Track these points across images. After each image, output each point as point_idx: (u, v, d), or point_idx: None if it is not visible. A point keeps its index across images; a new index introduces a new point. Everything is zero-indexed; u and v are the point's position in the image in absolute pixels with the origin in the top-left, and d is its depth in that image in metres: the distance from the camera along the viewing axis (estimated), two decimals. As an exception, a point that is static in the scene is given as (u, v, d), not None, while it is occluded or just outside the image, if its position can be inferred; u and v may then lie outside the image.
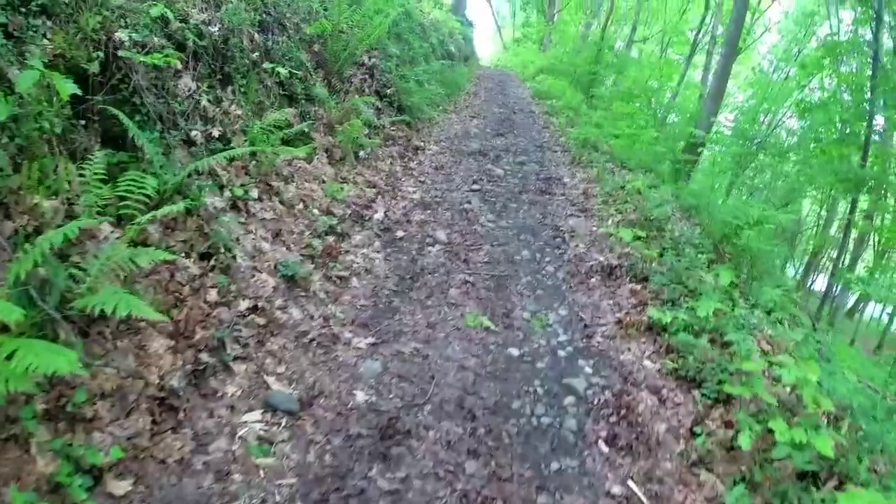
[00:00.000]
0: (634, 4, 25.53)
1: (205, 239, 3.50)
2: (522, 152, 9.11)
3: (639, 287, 4.50)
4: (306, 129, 5.77)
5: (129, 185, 2.99)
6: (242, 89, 5.02)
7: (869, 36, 13.08)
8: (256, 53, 5.38)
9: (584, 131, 10.10)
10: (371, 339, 3.57)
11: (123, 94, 3.43)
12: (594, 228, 5.82)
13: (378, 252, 4.73)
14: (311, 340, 3.42)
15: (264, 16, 5.84)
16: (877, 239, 16.11)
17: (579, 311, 4.23)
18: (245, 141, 4.57)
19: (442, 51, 14.49)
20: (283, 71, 5.50)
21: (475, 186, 6.92)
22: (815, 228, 25.22)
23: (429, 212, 5.79)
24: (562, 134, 11.17)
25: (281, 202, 4.71)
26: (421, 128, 9.18)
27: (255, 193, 4.47)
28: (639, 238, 5.10)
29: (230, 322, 3.14)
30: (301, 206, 4.85)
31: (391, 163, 6.97)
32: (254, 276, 3.63)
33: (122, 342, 2.60)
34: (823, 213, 23.60)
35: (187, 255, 3.33)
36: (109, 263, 2.50)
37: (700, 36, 21.32)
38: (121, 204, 2.97)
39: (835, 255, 18.12)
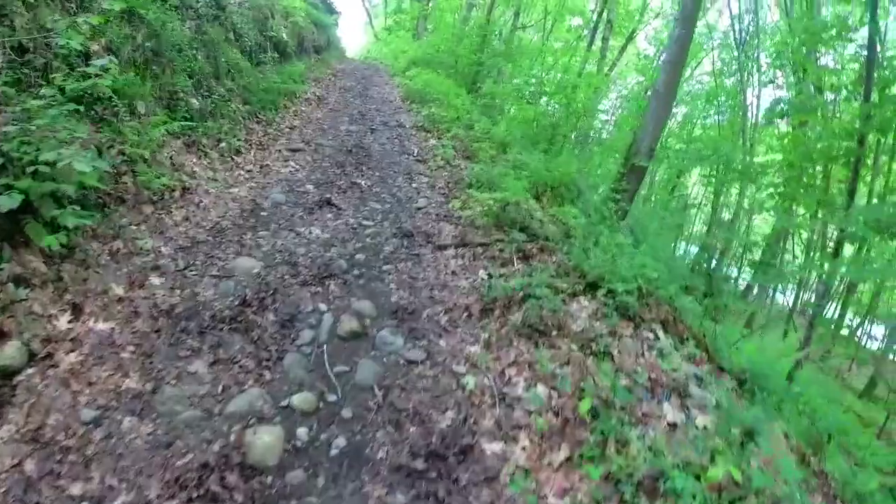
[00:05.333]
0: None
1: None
2: (370, 271, 3.40)
3: None
4: None
5: None
6: None
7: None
8: None
9: (504, 189, 4.51)
10: None
11: None
12: None
13: None
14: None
15: None
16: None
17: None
18: None
19: (258, 40, 8.29)
20: None
21: None
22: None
23: None
24: (450, 183, 5.53)
25: None
26: (95, 243, 3.18)
27: None
28: None
29: None
30: None
31: None
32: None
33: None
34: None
35: None
36: None
37: (597, 17, 16.31)
38: None
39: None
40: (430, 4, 23.81)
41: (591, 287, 3.15)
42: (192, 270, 3.24)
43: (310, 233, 3.77)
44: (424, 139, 7.52)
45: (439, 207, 4.65)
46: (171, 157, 4.67)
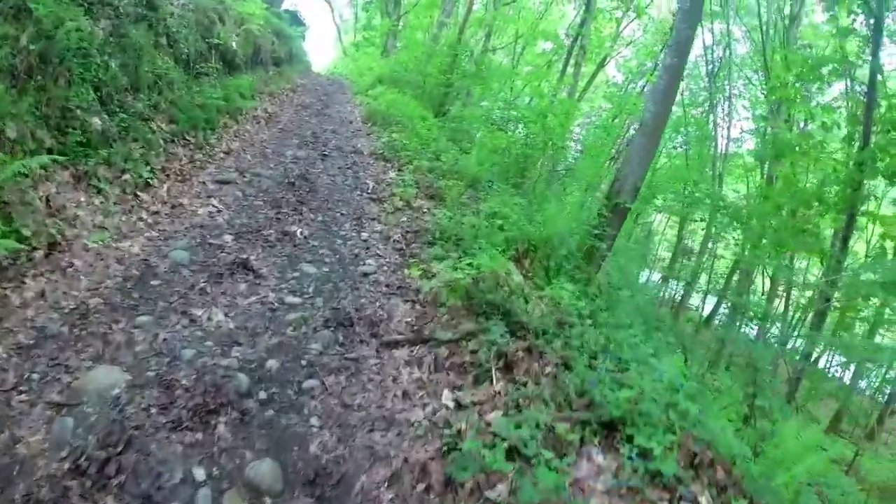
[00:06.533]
0: (489, 7, 19.45)
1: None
2: (284, 391, 2.32)
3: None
4: None
5: None
6: None
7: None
8: None
9: (476, 251, 3.54)
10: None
11: None
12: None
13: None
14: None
15: None
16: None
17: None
18: None
19: (199, 47, 7.13)
20: None
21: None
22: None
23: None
24: (409, 233, 4.52)
25: None
26: None
27: None
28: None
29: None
30: None
31: None
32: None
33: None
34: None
35: None
36: None
37: (573, 41, 15.70)
38: None
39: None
40: (401, 22, 22.97)
41: (605, 427, 2.16)
42: (21, 392, 2.11)
43: (209, 318, 2.69)
44: (383, 170, 6.50)
45: (392, 273, 3.62)
46: (47, 198, 3.53)
